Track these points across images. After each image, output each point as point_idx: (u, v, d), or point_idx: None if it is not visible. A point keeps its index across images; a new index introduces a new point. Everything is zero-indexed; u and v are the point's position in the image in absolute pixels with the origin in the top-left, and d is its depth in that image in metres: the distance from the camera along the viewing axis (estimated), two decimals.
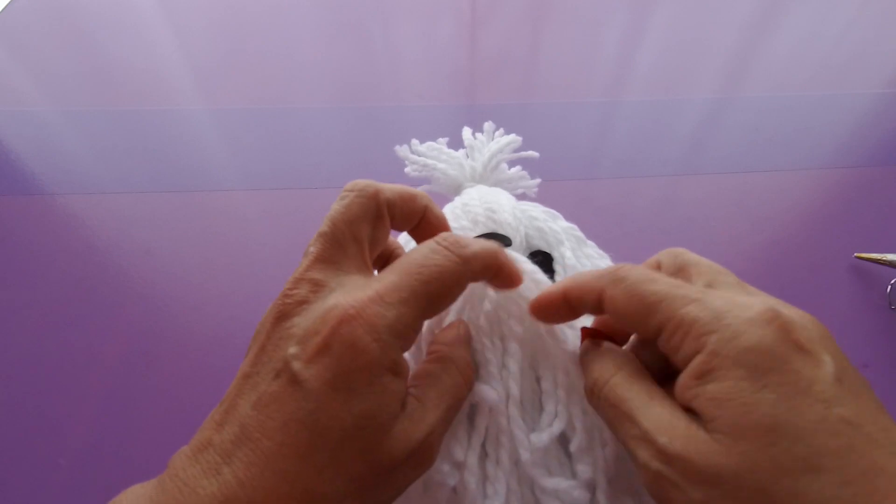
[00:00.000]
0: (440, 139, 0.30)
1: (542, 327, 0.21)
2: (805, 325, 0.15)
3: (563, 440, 0.21)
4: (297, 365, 0.15)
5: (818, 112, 0.62)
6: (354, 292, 0.17)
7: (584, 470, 0.19)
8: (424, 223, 0.21)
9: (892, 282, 0.43)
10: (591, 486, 0.20)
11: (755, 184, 0.53)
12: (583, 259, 0.25)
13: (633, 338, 0.21)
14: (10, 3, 0.79)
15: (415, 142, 0.29)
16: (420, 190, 0.21)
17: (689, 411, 0.16)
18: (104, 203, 0.51)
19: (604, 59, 0.73)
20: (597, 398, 0.18)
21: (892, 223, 0.49)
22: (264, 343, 0.17)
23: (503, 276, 0.20)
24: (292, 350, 0.16)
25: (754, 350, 0.15)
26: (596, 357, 0.19)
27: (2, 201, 0.51)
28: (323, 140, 0.58)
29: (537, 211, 0.26)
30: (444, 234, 0.19)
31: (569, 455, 0.20)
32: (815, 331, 0.15)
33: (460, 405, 0.19)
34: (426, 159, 0.29)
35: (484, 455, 0.20)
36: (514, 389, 0.20)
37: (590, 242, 0.26)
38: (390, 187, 0.20)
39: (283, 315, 0.17)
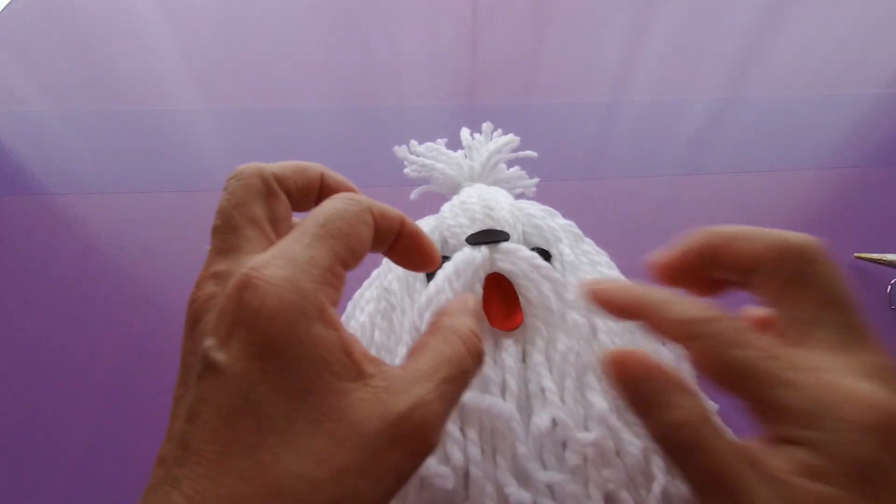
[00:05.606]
0: (439, 140, 0.30)
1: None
2: None
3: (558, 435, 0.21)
4: (216, 354, 0.13)
5: (818, 112, 0.62)
6: (254, 258, 0.15)
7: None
8: (325, 192, 0.19)
9: (893, 282, 0.43)
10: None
11: (756, 184, 0.53)
12: (581, 256, 0.25)
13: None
14: (9, 3, 0.79)
15: (413, 142, 0.30)
16: (314, 164, 0.19)
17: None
18: (104, 203, 0.51)
19: (605, 59, 0.72)
20: (678, 446, 0.15)
21: (893, 223, 0.49)
22: (184, 357, 0.15)
23: (407, 233, 0.18)
24: (208, 342, 0.14)
25: (860, 462, 0.14)
26: (670, 392, 0.15)
27: (2, 201, 0.51)
28: (323, 140, 0.58)
29: (535, 209, 0.26)
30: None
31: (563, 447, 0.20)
32: None
33: (464, 378, 0.16)
34: (425, 160, 0.29)
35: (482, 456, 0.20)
36: (512, 384, 0.21)
37: (587, 239, 0.27)
38: (275, 164, 0.18)
39: (195, 320, 0.15)
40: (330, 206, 0.16)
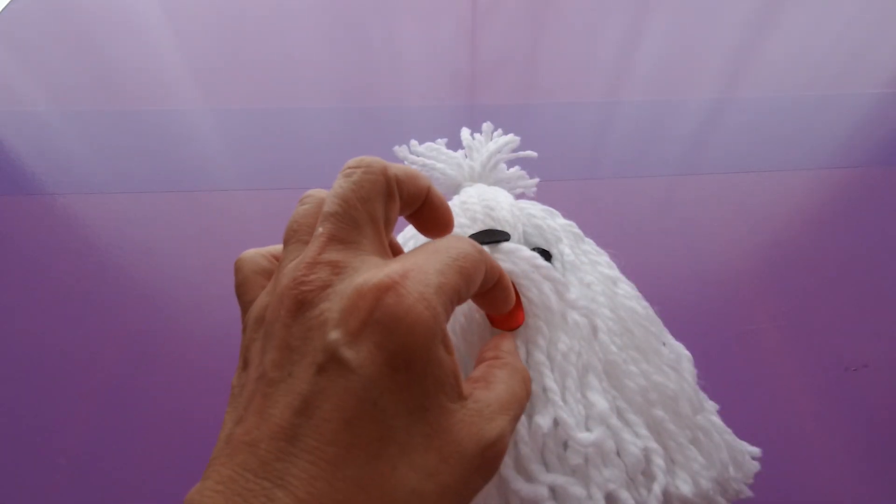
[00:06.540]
0: (438, 140, 0.30)
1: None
2: None
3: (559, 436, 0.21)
4: (345, 351, 0.13)
5: (818, 112, 0.62)
6: (390, 265, 0.15)
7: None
8: (428, 205, 0.19)
9: None
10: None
11: (755, 184, 0.53)
12: (581, 256, 0.25)
13: None
14: (10, 3, 0.79)
15: (413, 142, 0.29)
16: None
17: None
18: (104, 203, 0.51)
19: (604, 59, 0.73)
20: None
21: (893, 223, 0.49)
22: (285, 339, 0.14)
23: (502, 286, 0.19)
24: (334, 336, 0.13)
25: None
26: None
27: (2, 201, 0.51)
28: (323, 140, 0.58)
29: (535, 209, 0.26)
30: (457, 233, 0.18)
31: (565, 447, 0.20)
32: None
33: (520, 418, 0.17)
34: (425, 160, 0.29)
35: None
36: None
37: (587, 239, 0.27)
38: (396, 164, 0.18)
39: (303, 303, 0.14)
40: (460, 245, 0.16)
